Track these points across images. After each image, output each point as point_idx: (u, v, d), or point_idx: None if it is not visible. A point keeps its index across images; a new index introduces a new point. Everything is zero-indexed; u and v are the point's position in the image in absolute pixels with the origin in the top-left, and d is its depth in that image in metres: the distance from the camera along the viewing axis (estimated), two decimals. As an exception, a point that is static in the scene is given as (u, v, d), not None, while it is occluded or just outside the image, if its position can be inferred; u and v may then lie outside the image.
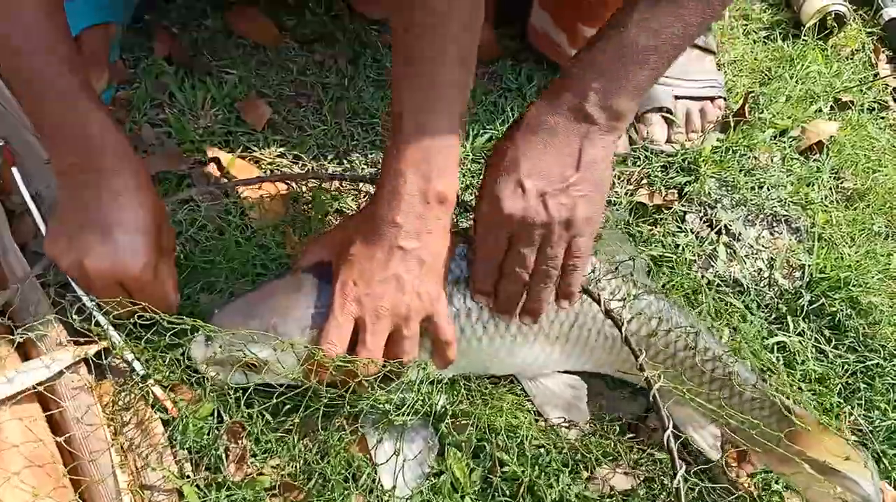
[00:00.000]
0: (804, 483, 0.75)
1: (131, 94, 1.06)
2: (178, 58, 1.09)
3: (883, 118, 1.17)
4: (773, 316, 0.92)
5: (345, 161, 1.03)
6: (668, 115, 1.04)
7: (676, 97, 1.06)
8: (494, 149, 0.72)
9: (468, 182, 1.01)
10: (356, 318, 0.70)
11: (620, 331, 0.75)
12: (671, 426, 0.68)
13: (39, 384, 0.73)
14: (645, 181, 1.01)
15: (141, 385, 0.74)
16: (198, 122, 1.04)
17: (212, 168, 1.00)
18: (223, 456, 0.72)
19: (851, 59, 1.24)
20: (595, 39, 0.68)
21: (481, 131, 1.06)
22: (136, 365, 0.75)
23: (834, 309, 0.90)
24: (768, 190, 1.01)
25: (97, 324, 0.75)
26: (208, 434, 0.71)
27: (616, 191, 1.00)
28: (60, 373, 0.75)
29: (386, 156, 0.72)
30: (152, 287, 0.74)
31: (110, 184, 0.71)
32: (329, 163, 1.03)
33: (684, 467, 0.67)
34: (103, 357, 0.76)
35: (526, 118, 0.69)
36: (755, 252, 0.96)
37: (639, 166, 1.03)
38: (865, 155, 1.08)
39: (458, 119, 0.70)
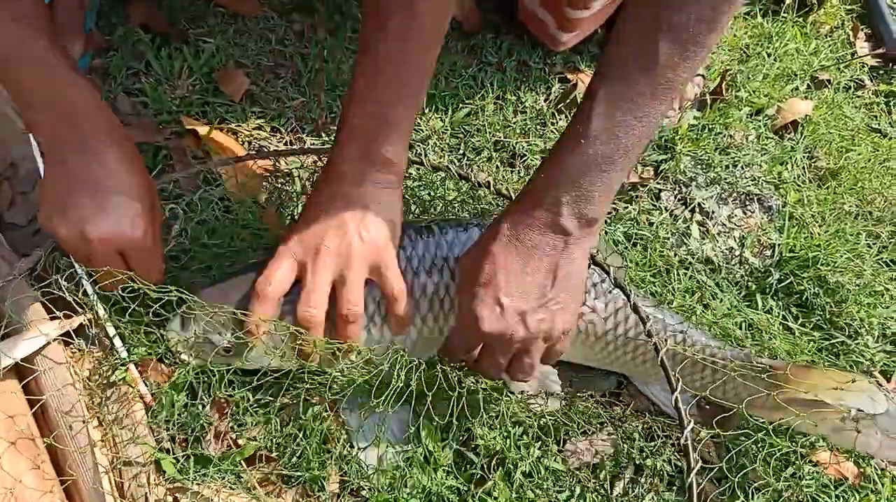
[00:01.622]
0: (813, 425, 0.78)
1: (107, 62, 1.05)
2: (155, 26, 1.08)
3: (859, 97, 1.18)
4: (743, 293, 0.94)
5: (323, 133, 1.03)
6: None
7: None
8: (470, 257, 0.72)
9: (445, 156, 1.01)
10: (298, 261, 0.71)
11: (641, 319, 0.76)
12: (679, 388, 0.71)
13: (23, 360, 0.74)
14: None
15: (120, 367, 0.74)
16: (174, 91, 1.03)
17: (189, 140, 1.00)
18: (204, 430, 0.73)
19: (830, 36, 1.24)
20: (560, 150, 0.68)
21: (460, 105, 1.06)
22: (118, 342, 0.75)
23: (802, 287, 0.92)
24: (742, 168, 1.02)
25: (85, 294, 0.75)
26: (186, 408, 0.72)
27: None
28: (40, 348, 0.75)
29: (341, 115, 0.74)
30: (149, 255, 0.74)
31: (99, 151, 0.70)
32: (307, 135, 1.03)
33: (692, 423, 0.69)
34: (89, 329, 0.76)
35: (502, 231, 0.70)
36: (727, 230, 0.97)
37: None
38: (840, 134, 1.09)
39: (414, 105, 0.73)
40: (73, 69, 0.71)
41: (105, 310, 0.76)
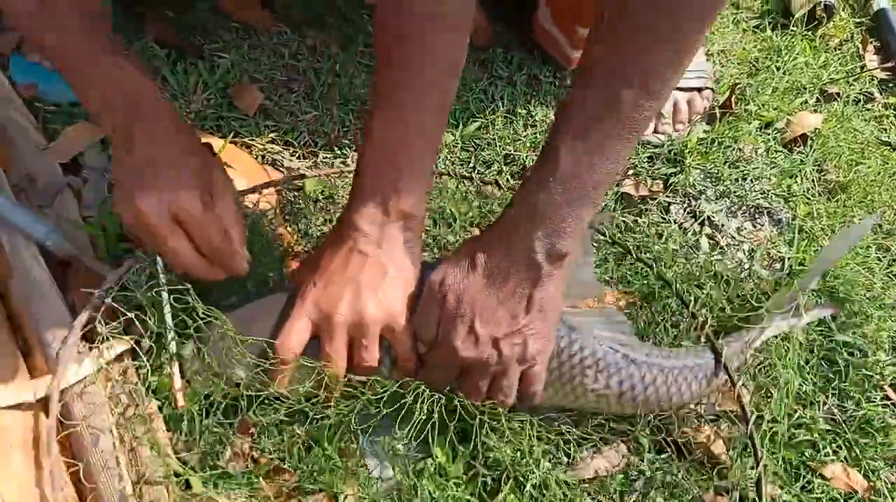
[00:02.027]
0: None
1: (123, 77, 1.06)
2: (170, 41, 1.09)
3: (868, 109, 1.19)
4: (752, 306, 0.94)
5: (335, 148, 1.04)
6: (656, 118, 1.06)
7: (665, 90, 1.07)
8: (440, 281, 0.72)
9: (455, 170, 1.02)
10: (314, 323, 0.71)
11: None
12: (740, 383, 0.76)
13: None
14: (631, 172, 1.03)
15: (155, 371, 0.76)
16: (190, 106, 1.05)
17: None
18: (225, 447, 0.74)
19: (839, 49, 1.25)
20: (529, 187, 0.69)
21: (471, 119, 1.07)
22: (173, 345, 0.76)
23: (811, 300, 0.93)
24: (752, 181, 1.03)
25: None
26: (202, 423, 0.73)
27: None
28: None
29: (357, 165, 0.74)
30: (208, 222, 0.73)
31: (165, 140, 0.73)
32: (320, 149, 1.04)
33: (755, 415, 0.72)
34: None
35: (476, 261, 0.71)
36: (737, 243, 0.98)
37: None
38: (849, 147, 1.10)
39: (432, 150, 0.73)
40: (137, 68, 0.74)
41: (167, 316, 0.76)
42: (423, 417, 0.71)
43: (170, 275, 0.77)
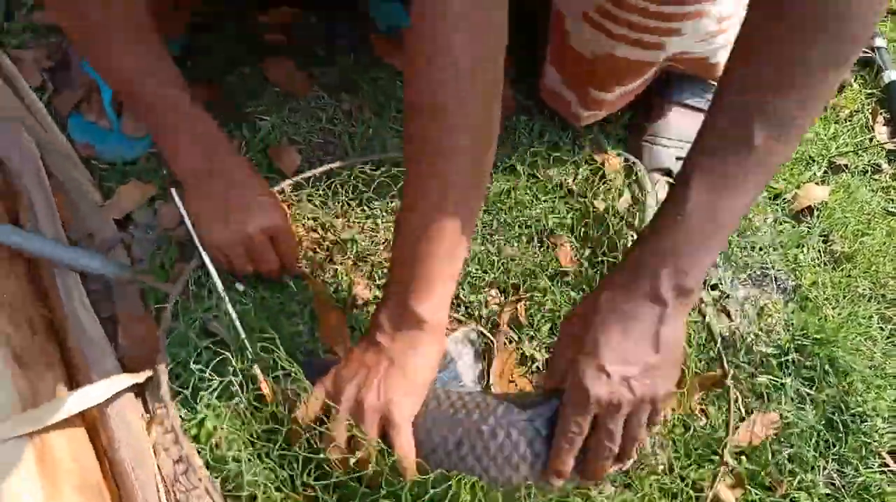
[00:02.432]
0: None
1: (173, 137, 1.15)
2: (217, 104, 1.18)
3: (875, 180, 1.23)
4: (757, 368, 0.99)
5: (367, 208, 1.11)
6: (668, 179, 1.12)
7: (677, 159, 1.13)
8: (568, 328, 0.77)
9: (479, 231, 1.08)
10: (327, 395, 0.78)
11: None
12: None
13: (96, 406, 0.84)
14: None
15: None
16: (233, 166, 1.13)
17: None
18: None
19: (849, 121, 1.30)
20: (657, 227, 0.72)
21: (494, 183, 1.13)
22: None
23: (813, 363, 0.97)
24: (759, 251, 1.08)
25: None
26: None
27: (614, 255, 1.07)
28: (114, 397, 0.84)
29: (390, 261, 0.81)
30: (292, 241, 0.94)
31: (241, 181, 0.91)
32: (353, 209, 1.11)
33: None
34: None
35: (601, 301, 0.73)
36: (743, 311, 1.03)
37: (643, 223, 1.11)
38: (855, 218, 1.14)
39: (456, 257, 0.77)
40: (196, 108, 0.89)
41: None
42: None
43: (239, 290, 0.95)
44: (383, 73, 1.25)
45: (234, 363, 0.85)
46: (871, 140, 1.27)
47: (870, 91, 1.35)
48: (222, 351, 0.86)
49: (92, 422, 0.88)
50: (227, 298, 0.90)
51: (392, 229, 0.86)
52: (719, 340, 0.97)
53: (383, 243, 1.06)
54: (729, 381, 0.94)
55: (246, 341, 0.87)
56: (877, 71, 1.35)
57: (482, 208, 1.10)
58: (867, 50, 1.37)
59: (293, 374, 0.81)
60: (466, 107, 0.72)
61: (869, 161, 1.25)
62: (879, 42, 1.38)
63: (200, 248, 0.91)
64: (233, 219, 0.89)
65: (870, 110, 1.32)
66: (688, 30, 0.97)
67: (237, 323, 0.88)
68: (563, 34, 1.03)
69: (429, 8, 0.70)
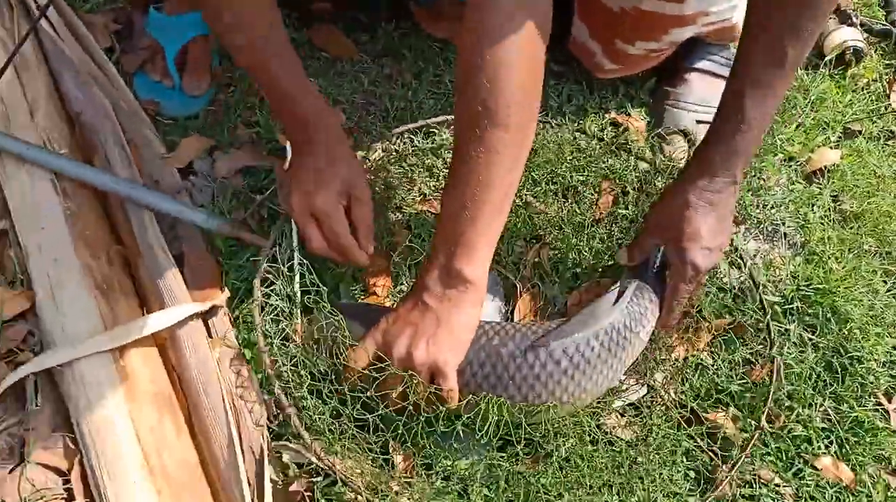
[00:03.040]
0: None
1: (228, 96, 1.26)
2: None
3: (889, 145, 1.29)
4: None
5: (403, 165, 1.20)
6: (686, 141, 1.20)
7: (698, 122, 1.21)
8: (659, 219, 0.98)
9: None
10: (377, 347, 0.89)
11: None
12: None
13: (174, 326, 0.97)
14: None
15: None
16: (282, 123, 1.23)
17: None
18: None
19: (867, 89, 1.36)
20: (726, 131, 0.91)
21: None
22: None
23: (816, 311, 1.06)
24: (771, 208, 1.15)
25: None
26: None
27: (631, 211, 1.15)
28: (183, 321, 0.97)
29: (436, 225, 0.92)
30: (337, 219, 0.97)
31: (332, 152, 0.97)
32: (391, 166, 1.21)
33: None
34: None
35: (690, 198, 0.94)
36: (754, 263, 1.11)
37: (663, 181, 1.18)
38: (866, 180, 1.21)
39: (496, 224, 0.87)
40: (309, 92, 0.97)
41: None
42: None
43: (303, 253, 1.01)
44: (422, 41, 1.33)
45: (281, 299, 0.96)
46: (886, 108, 1.33)
47: (888, 62, 1.40)
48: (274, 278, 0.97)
49: (162, 343, 0.99)
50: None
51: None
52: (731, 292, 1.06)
53: (420, 197, 1.15)
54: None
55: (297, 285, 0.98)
56: (895, 43, 1.40)
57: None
58: (887, 23, 1.42)
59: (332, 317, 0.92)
60: (516, 101, 0.81)
61: (883, 127, 1.31)
62: (899, 15, 1.43)
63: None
64: (319, 184, 0.96)
65: (887, 79, 1.37)
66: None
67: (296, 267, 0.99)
68: (592, -13, 1.11)
69: (482, 4, 0.79)
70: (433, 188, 1.16)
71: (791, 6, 0.83)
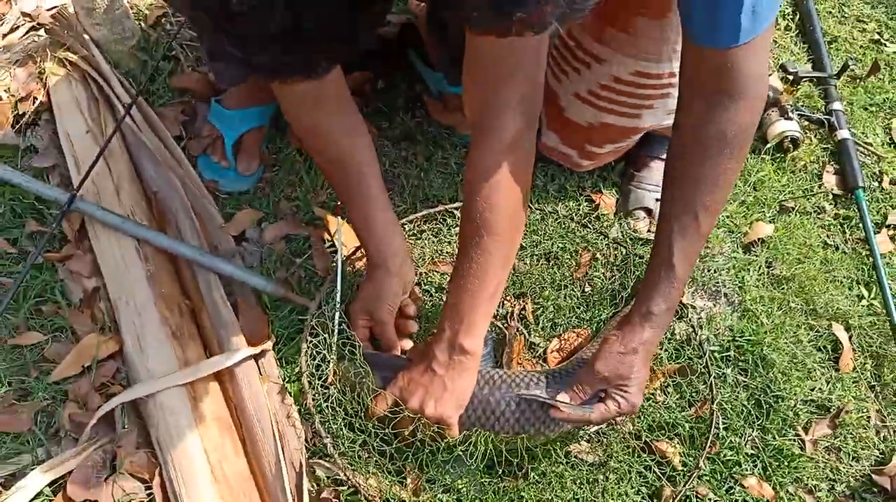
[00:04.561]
0: None
1: (274, 175, 1.53)
2: (304, 151, 1.56)
3: (819, 219, 1.55)
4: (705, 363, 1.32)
5: (416, 234, 1.47)
6: (648, 216, 1.46)
7: (657, 200, 1.47)
8: (613, 364, 1.10)
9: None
10: (395, 399, 1.13)
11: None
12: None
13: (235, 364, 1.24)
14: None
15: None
16: (318, 198, 1.50)
17: (324, 232, 1.46)
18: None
19: (804, 170, 1.61)
20: (661, 290, 1.07)
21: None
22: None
23: (747, 358, 1.30)
24: (714, 272, 1.41)
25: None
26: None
27: (601, 273, 1.41)
28: (240, 361, 1.23)
29: (444, 305, 1.13)
30: (385, 326, 1.24)
31: (383, 270, 1.21)
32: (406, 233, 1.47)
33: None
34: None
35: (637, 345, 1.08)
36: (698, 317, 1.36)
37: (624, 252, 1.44)
38: (797, 249, 1.46)
39: (491, 306, 1.09)
40: (388, 215, 1.22)
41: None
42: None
43: (342, 309, 1.25)
44: (433, 128, 1.60)
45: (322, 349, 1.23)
46: (819, 187, 1.59)
47: (825, 146, 1.66)
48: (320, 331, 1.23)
49: (222, 379, 1.25)
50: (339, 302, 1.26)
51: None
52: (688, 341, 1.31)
53: (429, 260, 1.42)
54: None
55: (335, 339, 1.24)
56: (830, 129, 1.66)
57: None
58: (825, 112, 1.69)
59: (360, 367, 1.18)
60: (506, 217, 1.06)
61: (814, 204, 1.56)
62: (837, 105, 1.69)
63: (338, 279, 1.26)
64: (377, 303, 1.22)
65: (822, 162, 1.63)
66: (659, 105, 1.32)
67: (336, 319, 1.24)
68: (558, 108, 1.38)
69: (482, 147, 1.05)
70: (439, 251, 1.42)
71: (703, 184, 1.02)
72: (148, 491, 1.17)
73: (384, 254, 1.21)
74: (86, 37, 1.54)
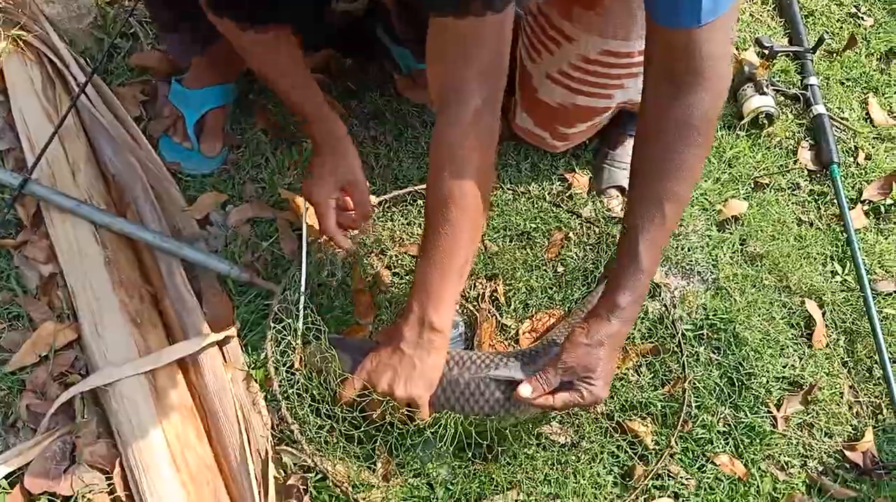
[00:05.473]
0: None
1: (239, 156, 1.49)
2: (272, 130, 1.52)
3: (794, 195, 1.53)
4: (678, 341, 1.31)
5: (384, 210, 1.43)
6: (622, 194, 1.44)
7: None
8: (584, 357, 1.05)
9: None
10: (364, 382, 1.11)
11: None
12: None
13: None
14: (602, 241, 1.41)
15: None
16: (284, 180, 1.46)
17: (290, 215, 1.42)
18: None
19: (779, 146, 1.60)
20: (627, 282, 1.03)
21: (486, 195, 1.45)
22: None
23: (720, 337, 1.29)
24: (688, 250, 1.39)
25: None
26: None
27: (574, 253, 1.38)
28: (203, 348, 1.20)
29: (412, 284, 1.12)
30: (365, 194, 1.26)
31: (342, 151, 1.24)
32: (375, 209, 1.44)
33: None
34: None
35: (603, 338, 1.05)
36: (672, 295, 1.34)
37: (599, 229, 1.42)
38: (771, 226, 1.45)
39: (459, 283, 1.09)
40: (321, 107, 1.22)
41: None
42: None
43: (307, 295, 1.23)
44: (403, 105, 1.57)
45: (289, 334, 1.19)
46: (794, 163, 1.57)
47: (800, 122, 1.64)
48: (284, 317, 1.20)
49: (185, 366, 1.22)
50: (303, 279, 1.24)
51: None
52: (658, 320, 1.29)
53: (398, 242, 1.39)
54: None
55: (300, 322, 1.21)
56: (806, 104, 1.64)
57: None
58: (801, 87, 1.67)
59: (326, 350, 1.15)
60: (472, 189, 1.05)
61: (789, 180, 1.55)
62: (812, 80, 1.67)
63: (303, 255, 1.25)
64: (328, 178, 1.23)
65: (797, 138, 1.61)
66: (630, 84, 1.29)
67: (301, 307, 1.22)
68: (532, 89, 1.36)
69: (445, 122, 1.04)
70: (408, 234, 1.39)
71: (668, 173, 1.00)
72: (109, 482, 1.14)
73: (322, 135, 1.24)
74: (40, 15, 1.49)
